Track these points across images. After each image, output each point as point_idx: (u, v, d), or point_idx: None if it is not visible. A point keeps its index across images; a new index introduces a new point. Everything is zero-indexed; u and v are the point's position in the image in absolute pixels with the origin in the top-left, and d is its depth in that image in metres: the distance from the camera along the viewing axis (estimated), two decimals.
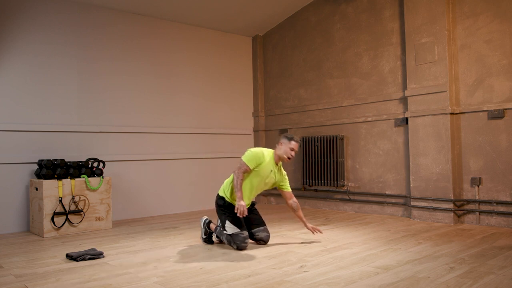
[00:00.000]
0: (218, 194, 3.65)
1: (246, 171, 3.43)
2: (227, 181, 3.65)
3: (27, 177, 4.58)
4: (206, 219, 3.70)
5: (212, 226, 3.65)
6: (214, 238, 3.70)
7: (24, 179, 4.57)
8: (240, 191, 3.39)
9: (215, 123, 6.24)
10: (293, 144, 3.50)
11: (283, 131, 6.32)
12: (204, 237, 3.65)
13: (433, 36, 4.58)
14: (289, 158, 3.51)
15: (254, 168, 3.44)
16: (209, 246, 3.59)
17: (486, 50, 4.33)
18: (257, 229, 3.58)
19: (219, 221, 3.69)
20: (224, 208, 3.55)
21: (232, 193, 3.55)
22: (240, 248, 3.37)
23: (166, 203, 5.66)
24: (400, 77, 4.99)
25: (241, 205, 3.35)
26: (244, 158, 3.44)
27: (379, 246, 3.44)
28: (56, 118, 4.80)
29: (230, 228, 3.43)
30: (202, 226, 3.69)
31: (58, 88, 4.83)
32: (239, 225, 3.43)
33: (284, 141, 3.52)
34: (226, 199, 3.56)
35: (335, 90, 5.68)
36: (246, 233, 3.42)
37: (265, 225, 3.65)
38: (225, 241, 3.48)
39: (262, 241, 3.57)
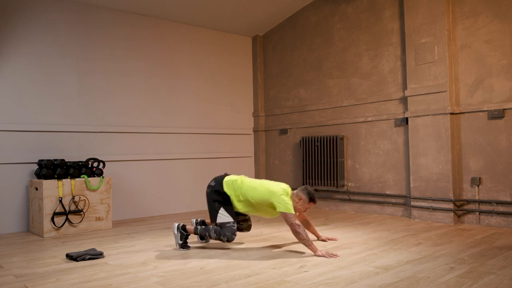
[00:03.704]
0: (218, 187, 3.48)
1: (297, 219, 3.30)
2: (239, 184, 3.46)
3: (27, 177, 4.58)
4: (179, 224, 3.54)
5: (190, 228, 3.51)
6: (198, 241, 3.68)
7: (24, 179, 4.57)
8: (310, 242, 3.19)
9: (215, 123, 6.24)
10: (312, 206, 3.43)
11: (283, 131, 6.33)
12: (180, 242, 3.46)
13: (433, 36, 4.58)
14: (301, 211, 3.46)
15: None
16: (209, 246, 3.59)
17: (486, 50, 4.33)
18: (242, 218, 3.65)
19: (195, 220, 3.74)
20: (223, 200, 3.45)
21: (243, 205, 3.44)
22: (230, 240, 3.34)
23: (166, 203, 5.66)
24: (400, 77, 4.99)
25: (321, 252, 3.17)
26: (287, 210, 3.22)
27: (379, 246, 3.44)
28: (56, 118, 4.80)
29: (223, 216, 3.38)
30: (176, 232, 3.49)
31: (58, 88, 4.83)
32: (232, 216, 3.39)
33: (305, 198, 3.35)
34: (232, 201, 3.46)
35: (335, 90, 5.68)
36: (236, 225, 3.39)
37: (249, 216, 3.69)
38: (212, 235, 3.39)
39: (245, 231, 3.69)
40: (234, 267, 2.89)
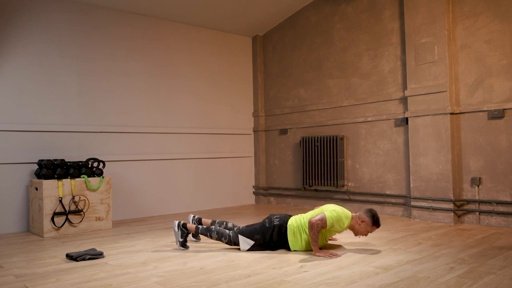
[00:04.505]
0: (287, 226, 3.32)
1: (323, 227, 3.22)
2: (300, 221, 3.34)
3: (27, 177, 4.58)
4: (180, 221, 3.51)
5: (190, 226, 3.49)
6: (191, 238, 3.71)
7: (24, 179, 4.57)
8: (317, 243, 3.18)
9: (215, 123, 6.24)
10: (375, 230, 3.29)
11: (283, 131, 6.33)
12: (180, 240, 3.44)
13: (433, 36, 4.58)
14: (361, 235, 3.36)
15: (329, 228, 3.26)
16: (209, 246, 3.59)
17: (486, 50, 4.33)
18: None
19: (192, 217, 3.72)
20: (269, 240, 3.32)
21: (304, 245, 3.33)
22: (229, 244, 3.40)
23: (166, 203, 5.66)
24: (400, 77, 4.99)
25: (322, 252, 3.17)
26: (325, 214, 3.19)
27: (379, 246, 3.44)
28: (56, 118, 4.80)
29: (245, 242, 3.33)
30: (177, 230, 3.46)
31: (58, 88, 4.83)
32: (252, 247, 3.33)
33: (368, 220, 3.23)
34: (293, 245, 3.33)
35: (335, 90, 5.68)
36: (250, 246, 3.39)
37: None
38: (214, 236, 3.40)
39: None
40: (234, 267, 2.89)
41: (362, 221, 3.25)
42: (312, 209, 3.49)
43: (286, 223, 3.35)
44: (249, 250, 3.35)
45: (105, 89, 5.18)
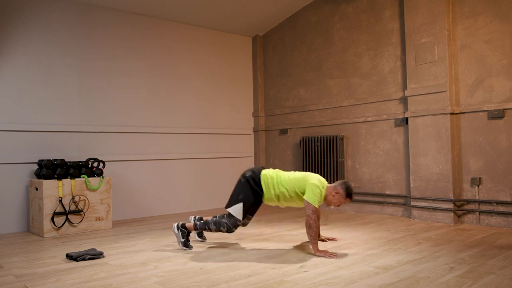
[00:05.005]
0: (254, 176, 3.38)
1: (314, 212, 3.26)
2: (275, 179, 3.37)
3: (27, 177, 4.58)
4: (178, 223, 3.52)
5: (189, 225, 3.49)
6: (196, 238, 3.69)
7: (24, 179, 4.57)
8: (315, 241, 3.19)
9: (215, 123, 6.24)
10: (348, 201, 3.35)
11: (283, 131, 6.33)
12: (182, 240, 3.45)
13: (433, 36, 4.58)
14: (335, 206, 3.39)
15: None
16: (209, 246, 3.59)
17: (486, 50, 4.33)
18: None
19: (194, 218, 3.70)
20: (252, 193, 3.36)
21: (276, 199, 3.39)
22: (229, 231, 3.33)
23: (166, 203, 5.66)
24: (400, 77, 4.99)
25: (322, 252, 3.16)
26: (312, 200, 3.20)
27: (379, 246, 3.44)
28: (56, 118, 4.80)
29: (238, 210, 3.31)
30: (176, 231, 3.47)
31: (58, 88, 4.83)
32: (244, 215, 3.35)
33: (342, 192, 3.28)
34: (264, 196, 3.39)
35: (335, 90, 5.68)
36: (240, 224, 3.37)
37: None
38: (212, 227, 3.37)
39: (243, 226, 3.62)
40: (234, 267, 2.89)
41: (336, 193, 3.30)
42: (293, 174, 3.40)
43: (260, 173, 3.41)
44: (245, 216, 3.34)
45: (105, 89, 5.18)
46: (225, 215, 3.40)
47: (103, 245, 3.69)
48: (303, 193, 3.28)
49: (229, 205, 3.39)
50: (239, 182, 3.43)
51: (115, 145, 5.22)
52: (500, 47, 4.23)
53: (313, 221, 3.17)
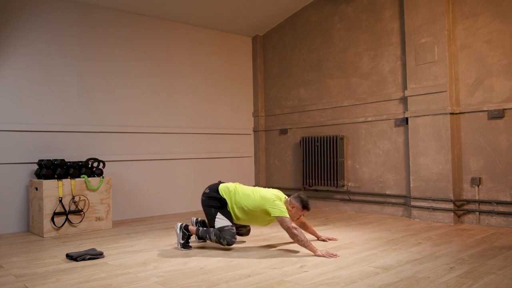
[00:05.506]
0: (213, 193, 3.51)
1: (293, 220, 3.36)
2: (233, 192, 3.48)
3: (27, 177, 4.58)
4: (182, 223, 3.55)
5: (192, 228, 3.52)
6: (197, 241, 3.70)
7: (24, 179, 4.57)
8: (308, 243, 3.19)
9: (215, 123, 6.24)
10: (306, 213, 3.45)
11: (283, 131, 6.33)
12: (182, 242, 3.47)
13: (433, 36, 4.58)
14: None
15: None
16: (209, 246, 3.59)
17: (486, 50, 4.33)
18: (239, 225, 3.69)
19: (195, 219, 3.75)
20: (218, 201, 3.47)
21: (239, 212, 3.45)
22: (230, 243, 3.34)
23: (166, 203, 5.66)
24: (400, 77, 4.99)
25: (321, 252, 3.17)
26: (281, 214, 3.24)
27: (379, 246, 3.44)
28: (56, 118, 4.80)
29: (221, 220, 3.39)
30: (178, 232, 3.50)
31: (58, 88, 4.83)
32: (229, 219, 3.41)
33: (298, 205, 3.38)
34: (229, 208, 3.47)
35: (335, 90, 5.68)
36: (234, 228, 3.41)
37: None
38: (213, 238, 3.39)
39: (245, 235, 3.75)
40: (234, 267, 2.89)
41: (293, 207, 3.39)
42: (281, 202, 3.41)
43: (217, 186, 3.54)
44: (231, 220, 3.42)
45: (105, 89, 5.18)
46: (220, 232, 3.40)
47: (103, 245, 3.69)
48: (265, 214, 3.35)
49: (211, 224, 3.47)
50: (203, 202, 3.55)
51: (115, 145, 5.22)
52: (500, 47, 4.23)
53: (294, 229, 3.19)
